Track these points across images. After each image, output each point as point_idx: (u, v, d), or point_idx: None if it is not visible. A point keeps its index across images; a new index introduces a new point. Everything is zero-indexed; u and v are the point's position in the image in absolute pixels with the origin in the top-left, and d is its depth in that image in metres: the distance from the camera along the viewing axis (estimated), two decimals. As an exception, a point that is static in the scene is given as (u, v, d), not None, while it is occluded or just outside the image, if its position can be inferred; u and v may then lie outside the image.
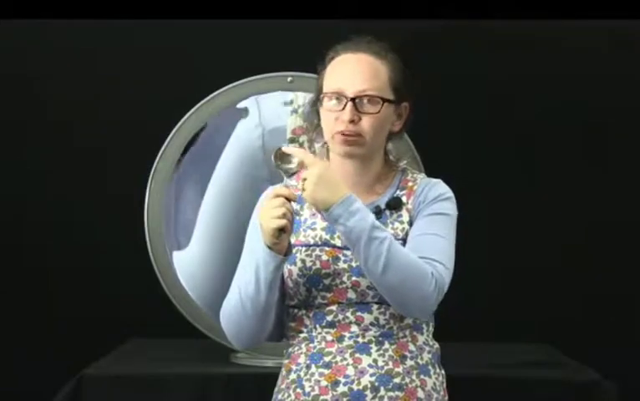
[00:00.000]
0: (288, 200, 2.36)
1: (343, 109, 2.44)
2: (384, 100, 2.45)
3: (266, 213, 2.36)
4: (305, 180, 2.35)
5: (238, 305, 2.44)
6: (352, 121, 2.43)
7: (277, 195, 2.37)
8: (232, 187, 3.14)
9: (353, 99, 2.43)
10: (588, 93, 3.75)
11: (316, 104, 2.54)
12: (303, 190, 2.35)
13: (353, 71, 2.46)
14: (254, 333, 2.47)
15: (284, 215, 2.34)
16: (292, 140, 3.01)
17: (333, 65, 2.50)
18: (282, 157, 2.41)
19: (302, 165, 2.39)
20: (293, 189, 2.44)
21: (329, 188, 2.34)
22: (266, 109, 3.18)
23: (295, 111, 3.04)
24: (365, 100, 2.44)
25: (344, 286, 2.44)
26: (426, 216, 2.46)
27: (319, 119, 2.54)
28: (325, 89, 2.49)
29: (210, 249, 3.16)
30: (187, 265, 3.20)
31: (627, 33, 3.74)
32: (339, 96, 2.45)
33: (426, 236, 2.43)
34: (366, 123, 2.44)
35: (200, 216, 3.19)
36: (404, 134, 3.08)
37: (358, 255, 2.35)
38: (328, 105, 2.47)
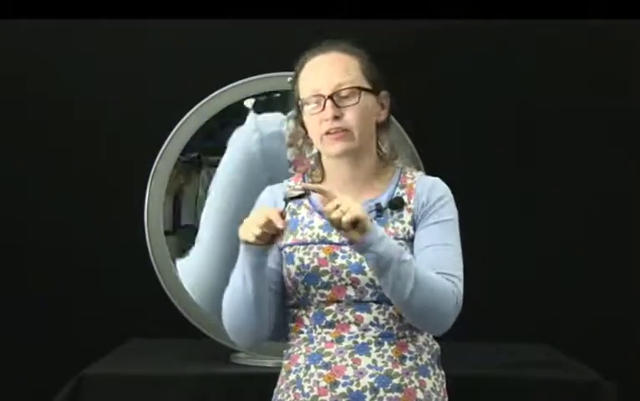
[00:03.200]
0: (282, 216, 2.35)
1: (323, 109, 2.45)
2: (361, 89, 2.45)
3: (251, 224, 2.33)
4: (338, 206, 2.29)
5: (230, 301, 2.45)
6: (335, 117, 2.44)
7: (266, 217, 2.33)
8: (232, 192, 3.14)
9: (330, 97, 2.44)
10: (588, 92, 3.75)
11: (298, 116, 2.55)
12: (340, 211, 2.28)
13: (326, 70, 2.47)
14: (251, 330, 2.46)
15: (259, 237, 2.32)
16: (290, 144, 3.01)
17: (305, 71, 2.50)
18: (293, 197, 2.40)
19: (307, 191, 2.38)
20: (292, 189, 2.45)
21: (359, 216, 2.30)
22: (261, 114, 3.19)
23: (291, 117, 3.05)
24: (342, 94, 2.45)
25: (343, 283, 2.44)
26: (433, 225, 2.46)
27: (305, 131, 2.54)
28: (302, 96, 2.49)
29: (212, 254, 3.16)
30: (191, 272, 3.20)
31: (628, 33, 3.74)
32: (317, 97, 2.46)
33: (438, 247, 2.43)
34: (349, 116, 2.45)
35: (202, 221, 3.19)
36: (405, 135, 3.09)
37: (386, 280, 2.34)
38: (309, 110, 2.48)
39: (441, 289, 2.38)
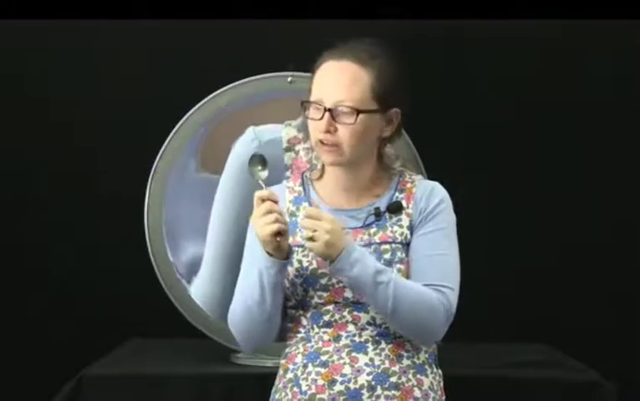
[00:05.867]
0: (274, 202, 2.37)
1: (322, 118, 2.44)
2: (359, 112, 2.44)
3: (258, 221, 2.38)
4: (315, 231, 2.35)
5: (245, 312, 2.46)
6: (328, 131, 2.44)
7: (262, 200, 2.37)
8: (233, 198, 3.15)
9: (329, 110, 2.43)
10: (589, 92, 3.75)
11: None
12: (310, 239, 2.35)
13: (332, 81, 2.45)
14: (263, 336, 2.50)
15: (276, 220, 2.36)
16: (287, 150, 3.02)
17: (318, 73, 2.49)
18: (258, 163, 2.44)
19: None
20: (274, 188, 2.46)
21: (332, 244, 2.35)
22: (259, 127, 3.20)
23: (289, 124, 3.06)
24: (341, 111, 2.43)
25: (341, 285, 2.44)
26: (430, 233, 2.47)
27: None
28: (310, 97, 2.49)
29: (218, 260, 3.17)
30: (200, 280, 3.20)
31: (628, 33, 3.74)
32: (318, 106, 2.45)
33: (432, 257, 2.44)
34: (342, 133, 2.44)
35: (208, 231, 3.19)
36: (405, 136, 3.09)
37: (365, 299, 2.38)
38: (310, 114, 2.47)
39: (427, 305, 2.39)
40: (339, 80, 2.44)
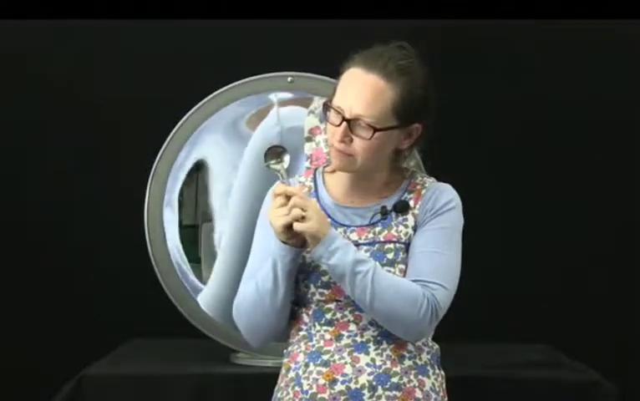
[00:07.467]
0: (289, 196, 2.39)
1: (339, 125, 2.44)
2: (376, 130, 2.44)
3: (273, 213, 2.39)
4: (305, 210, 2.36)
5: (256, 302, 2.45)
6: (342, 141, 2.44)
7: (277, 194, 2.39)
8: (251, 182, 3.15)
9: (348, 120, 2.43)
10: (592, 93, 3.75)
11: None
12: (302, 218, 2.36)
13: (355, 92, 2.42)
14: (272, 329, 2.49)
15: (288, 213, 2.37)
16: (308, 139, 3.01)
17: (344, 77, 2.47)
18: (273, 156, 2.44)
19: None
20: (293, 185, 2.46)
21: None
22: (284, 108, 3.18)
23: (312, 112, 3.04)
24: (359, 124, 2.43)
25: (342, 283, 2.45)
26: (430, 231, 2.46)
27: None
28: (333, 99, 2.47)
29: (235, 241, 3.16)
30: (217, 266, 3.20)
31: (629, 33, 3.74)
32: (337, 112, 2.45)
33: (427, 253, 2.44)
34: (357, 145, 2.43)
35: (230, 210, 3.18)
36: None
37: (345, 288, 2.39)
38: (330, 117, 2.47)
39: (408, 298, 2.38)
40: (362, 94, 2.42)
